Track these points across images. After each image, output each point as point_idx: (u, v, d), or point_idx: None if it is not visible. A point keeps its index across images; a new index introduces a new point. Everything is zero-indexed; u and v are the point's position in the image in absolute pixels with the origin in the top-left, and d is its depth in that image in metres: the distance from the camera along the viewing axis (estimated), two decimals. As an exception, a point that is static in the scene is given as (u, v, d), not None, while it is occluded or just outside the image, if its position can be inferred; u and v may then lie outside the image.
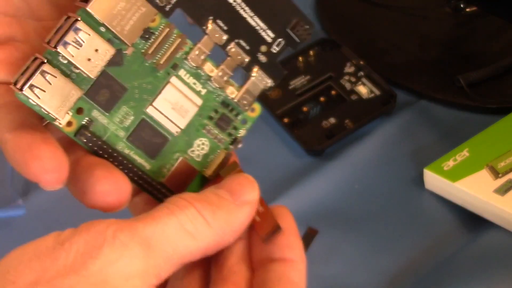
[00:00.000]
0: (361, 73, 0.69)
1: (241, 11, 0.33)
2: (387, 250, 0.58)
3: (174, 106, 0.33)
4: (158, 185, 0.33)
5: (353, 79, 0.68)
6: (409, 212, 0.60)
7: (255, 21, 0.33)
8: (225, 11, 0.32)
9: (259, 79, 0.35)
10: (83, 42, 0.29)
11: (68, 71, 0.30)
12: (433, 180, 0.60)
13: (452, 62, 0.71)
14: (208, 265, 0.32)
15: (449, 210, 0.60)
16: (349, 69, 0.69)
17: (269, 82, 0.35)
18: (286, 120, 0.66)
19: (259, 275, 0.31)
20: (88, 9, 0.29)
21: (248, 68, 0.34)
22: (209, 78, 0.33)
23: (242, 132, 0.35)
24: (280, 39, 0.35)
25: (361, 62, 0.69)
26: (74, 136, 0.31)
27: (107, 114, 0.31)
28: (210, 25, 0.32)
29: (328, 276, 0.57)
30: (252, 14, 0.33)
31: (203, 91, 0.33)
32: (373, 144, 0.65)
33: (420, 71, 0.71)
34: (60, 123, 0.30)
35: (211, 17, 0.32)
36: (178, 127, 0.33)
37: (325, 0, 0.77)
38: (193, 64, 0.32)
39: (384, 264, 0.57)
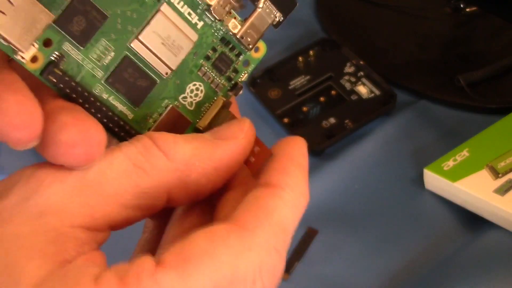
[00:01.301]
0: (361, 73, 0.69)
1: None
2: (387, 250, 0.58)
3: (165, 41, 0.27)
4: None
5: (353, 79, 0.68)
6: (409, 212, 0.60)
7: None
8: None
9: (267, 12, 0.29)
10: None
11: None
12: (433, 180, 0.60)
13: (452, 62, 0.71)
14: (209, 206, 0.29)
15: (449, 210, 0.60)
16: (349, 69, 0.69)
17: (278, 16, 0.29)
18: (286, 120, 0.66)
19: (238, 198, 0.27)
20: None
21: None
22: (207, 7, 0.28)
23: (243, 76, 0.30)
24: None
25: (361, 62, 0.69)
26: (40, 75, 0.25)
27: (82, 48, 0.26)
28: None
29: (328, 276, 0.57)
30: None
31: (200, 24, 0.28)
32: (373, 144, 0.65)
33: (420, 71, 0.71)
34: (23, 58, 0.24)
35: None
36: (169, 67, 0.28)
37: (325, 0, 0.77)
38: None
39: (384, 264, 0.57)
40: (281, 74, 0.69)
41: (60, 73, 0.25)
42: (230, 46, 0.29)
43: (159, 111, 0.28)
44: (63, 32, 0.25)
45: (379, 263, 0.57)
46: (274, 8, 0.29)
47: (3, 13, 0.23)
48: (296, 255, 0.58)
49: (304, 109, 0.67)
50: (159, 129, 0.28)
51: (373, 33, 0.75)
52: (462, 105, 0.67)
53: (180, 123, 0.29)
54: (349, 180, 0.62)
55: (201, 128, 0.29)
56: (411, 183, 0.62)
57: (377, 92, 0.67)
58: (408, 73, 0.70)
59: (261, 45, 0.30)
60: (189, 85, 0.29)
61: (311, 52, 0.71)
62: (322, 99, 0.67)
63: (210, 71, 0.29)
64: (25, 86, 0.24)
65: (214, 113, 0.29)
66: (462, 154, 0.60)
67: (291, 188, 0.27)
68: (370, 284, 0.56)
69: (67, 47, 0.25)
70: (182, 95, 0.29)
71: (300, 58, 0.70)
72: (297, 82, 0.68)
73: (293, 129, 0.65)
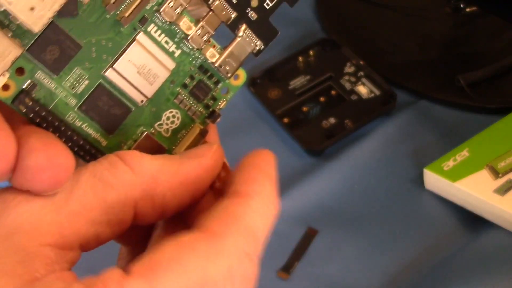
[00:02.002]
0: (361, 73, 0.69)
1: None
2: (387, 250, 0.58)
3: (140, 69, 0.27)
4: None
5: (353, 79, 0.68)
6: (409, 212, 0.60)
7: None
8: None
9: (246, 41, 0.29)
10: None
11: (6, 21, 0.24)
12: (433, 180, 0.60)
13: (452, 62, 0.71)
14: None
15: (449, 210, 0.60)
16: (349, 69, 0.69)
17: (258, 44, 0.29)
18: (286, 120, 0.66)
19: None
20: None
21: (234, 27, 0.28)
22: (185, 36, 0.27)
23: (222, 104, 0.30)
24: None
25: (361, 62, 0.69)
26: (11, 103, 0.25)
27: (55, 76, 0.26)
28: None
29: (328, 276, 0.57)
30: None
31: (177, 52, 0.28)
32: (373, 144, 0.65)
33: (420, 71, 0.71)
34: None
35: None
36: (144, 95, 0.27)
37: (325, 0, 0.77)
38: (167, 19, 0.27)
39: (384, 264, 0.57)
40: (281, 74, 0.69)
41: (31, 102, 0.25)
42: (208, 74, 0.29)
43: (134, 138, 0.28)
44: (36, 61, 0.25)
45: (379, 263, 0.57)
46: (254, 36, 0.29)
47: None
48: (296, 255, 0.58)
49: (304, 109, 0.66)
50: None
51: (373, 33, 0.75)
52: (462, 105, 0.67)
53: (155, 150, 0.28)
54: (349, 180, 0.62)
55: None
56: (411, 183, 0.62)
57: (377, 92, 0.67)
58: (408, 73, 0.70)
59: (241, 73, 0.30)
60: (166, 113, 0.28)
61: (311, 52, 0.71)
62: (322, 99, 0.67)
63: (187, 99, 0.29)
64: (0, 116, 0.24)
65: (190, 140, 0.29)
66: (462, 154, 0.60)
67: (259, 196, 0.27)
68: (370, 284, 0.56)
69: (40, 75, 0.25)
70: (158, 122, 0.28)
71: (300, 58, 0.70)
72: (297, 82, 0.68)
73: (293, 129, 0.65)
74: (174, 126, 0.29)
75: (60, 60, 0.25)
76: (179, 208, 0.28)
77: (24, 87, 0.25)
